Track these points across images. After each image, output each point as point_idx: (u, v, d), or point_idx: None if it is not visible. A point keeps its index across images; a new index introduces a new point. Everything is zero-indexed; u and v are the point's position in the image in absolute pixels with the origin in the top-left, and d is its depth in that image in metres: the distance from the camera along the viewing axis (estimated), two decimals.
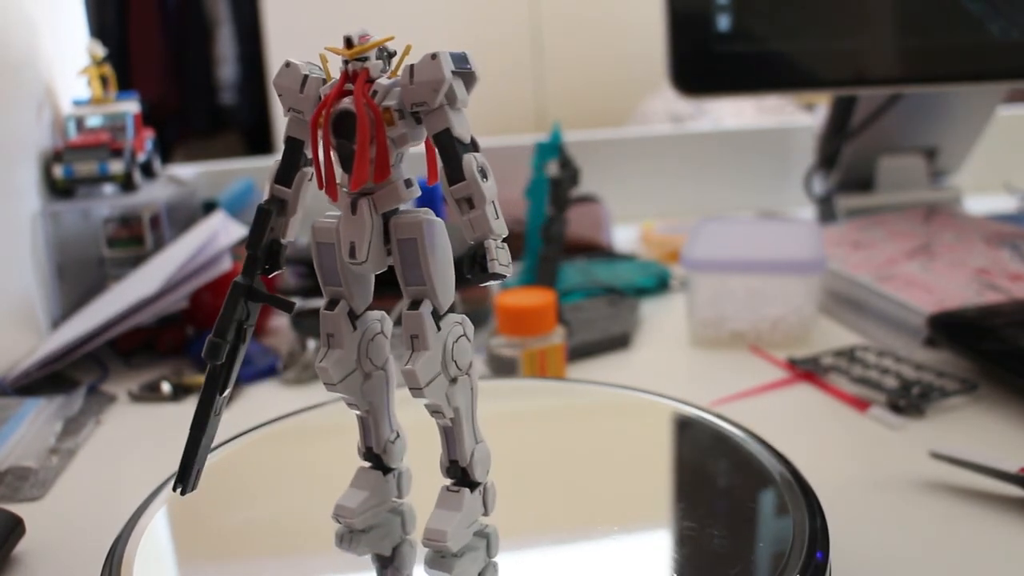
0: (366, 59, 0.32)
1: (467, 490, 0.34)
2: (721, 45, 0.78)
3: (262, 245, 0.33)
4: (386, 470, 0.38)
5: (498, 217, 0.31)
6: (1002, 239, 0.75)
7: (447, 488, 0.34)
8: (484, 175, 0.30)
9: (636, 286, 0.80)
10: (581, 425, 0.48)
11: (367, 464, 0.38)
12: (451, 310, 0.33)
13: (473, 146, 0.31)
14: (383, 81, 0.32)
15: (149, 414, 0.61)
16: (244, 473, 0.44)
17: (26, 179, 0.73)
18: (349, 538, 0.37)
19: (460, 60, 0.31)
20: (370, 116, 0.31)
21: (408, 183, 0.33)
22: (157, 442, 0.57)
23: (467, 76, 0.31)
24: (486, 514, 0.35)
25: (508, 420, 0.49)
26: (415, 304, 0.32)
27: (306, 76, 0.33)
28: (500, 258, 0.30)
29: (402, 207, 0.33)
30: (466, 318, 0.33)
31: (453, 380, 0.33)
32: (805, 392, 0.59)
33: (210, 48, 2.48)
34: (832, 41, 0.78)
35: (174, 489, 0.34)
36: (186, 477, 0.34)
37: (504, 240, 0.31)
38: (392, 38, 0.32)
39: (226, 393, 0.34)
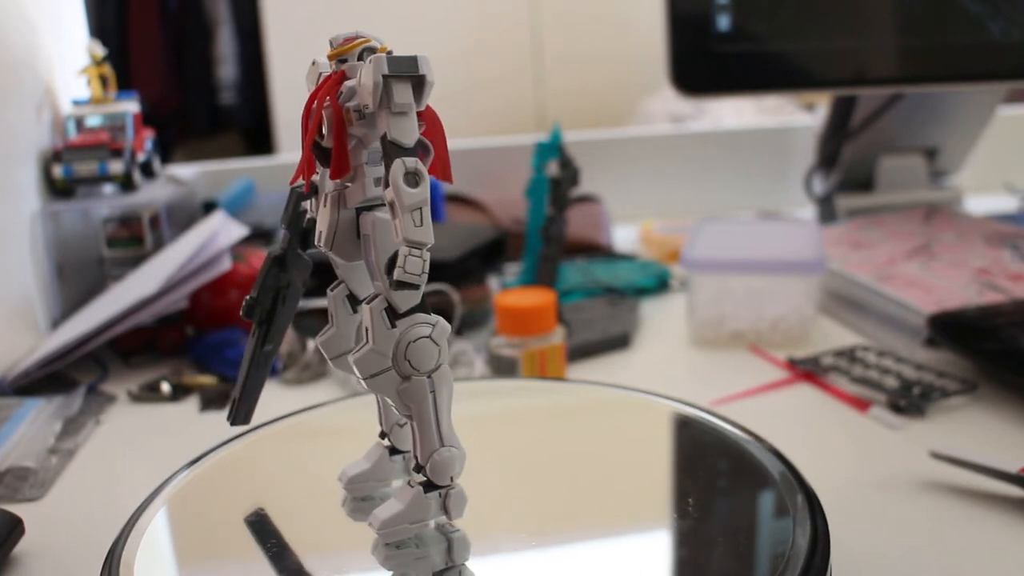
0: (347, 60, 0.33)
1: (421, 488, 0.34)
2: (721, 45, 0.78)
3: (294, 224, 0.36)
4: (393, 450, 0.39)
5: (419, 225, 0.30)
6: (1002, 239, 0.74)
7: (408, 481, 0.35)
8: (413, 182, 0.30)
9: (636, 286, 0.80)
10: (581, 425, 0.48)
11: (384, 442, 0.39)
12: (444, 313, 0.33)
13: (415, 151, 0.31)
14: (350, 82, 0.33)
15: (149, 414, 0.61)
16: (244, 473, 0.43)
17: (26, 179, 0.73)
18: (349, 504, 0.39)
19: (404, 64, 0.31)
20: (328, 115, 0.32)
21: (379, 181, 0.34)
22: (157, 442, 0.57)
23: (415, 80, 0.31)
24: (449, 518, 0.35)
25: (508, 420, 0.49)
26: (374, 297, 0.33)
27: (320, 74, 0.34)
28: (407, 266, 0.30)
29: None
30: (441, 321, 0.33)
31: (407, 379, 0.33)
32: (805, 392, 0.59)
33: (210, 48, 2.47)
34: (832, 41, 0.78)
35: (227, 420, 0.37)
36: (232, 411, 0.37)
37: (427, 249, 0.31)
38: (368, 41, 0.33)
39: (268, 348, 0.37)
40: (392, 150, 0.31)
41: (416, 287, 0.31)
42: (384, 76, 0.30)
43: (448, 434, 0.34)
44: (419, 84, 0.31)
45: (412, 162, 0.30)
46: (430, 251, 0.31)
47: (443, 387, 0.33)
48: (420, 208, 0.30)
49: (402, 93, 0.31)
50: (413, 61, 0.31)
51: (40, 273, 0.73)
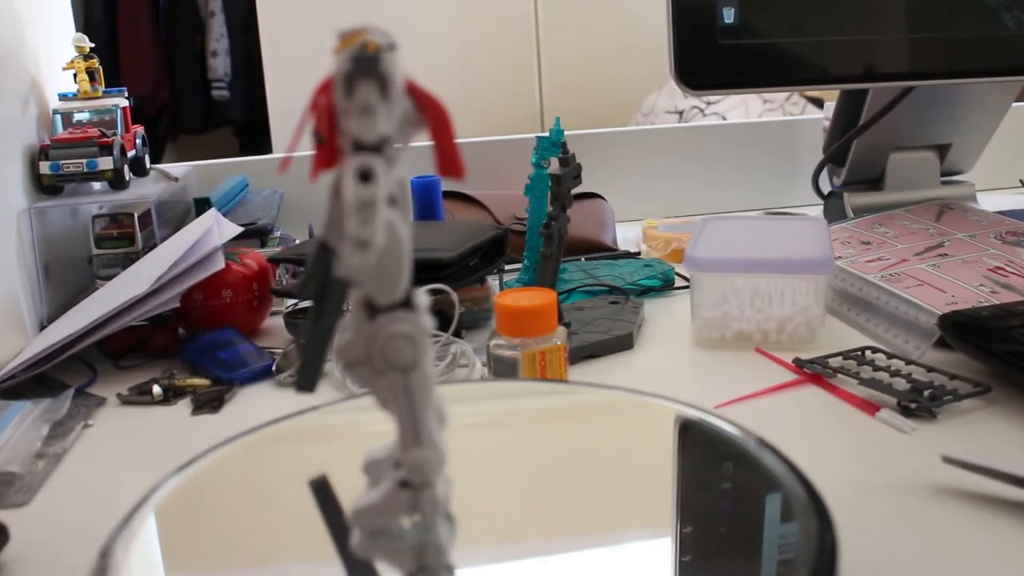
0: None
1: (397, 485, 0.34)
2: (726, 39, 0.77)
3: None
4: None
5: (363, 224, 0.30)
6: (1016, 237, 0.74)
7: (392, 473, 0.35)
8: (363, 179, 0.30)
9: (640, 285, 0.79)
10: (583, 428, 0.48)
11: None
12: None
13: (377, 149, 0.30)
14: None
15: (139, 417, 0.60)
16: (238, 478, 0.43)
17: (11, 175, 0.72)
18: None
19: (365, 62, 0.30)
20: (322, 108, 0.31)
21: None
22: (147, 446, 0.56)
23: (379, 78, 0.30)
24: (423, 521, 0.34)
25: (508, 423, 0.49)
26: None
27: None
28: (347, 263, 0.30)
29: None
30: (424, 319, 0.33)
31: (382, 373, 0.32)
32: (812, 394, 0.58)
33: (202, 42, 2.46)
34: (841, 34, 0.77)
35: (294, 387, 0.38)
36: (297, 380, 0.38)
37: (372, 248, 0.30)
38: (363, 35, 0.32)
39: (324, 322, 0.37)
40: (354, 146, 0.30)
41: (352, 283, 0.30)
42: (344, 74, 0.30)
43: (425, 435, 0.33)
44: (383, 82, 0.30)
45: (366, 160, 0.30)
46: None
47: (420, 386, 0.33)
48: (367, 207, 0.30)
49: (364, 91, 0.30)
50: (374, 59, 0.30)
51: (27, 272, 0.72)
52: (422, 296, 0.35)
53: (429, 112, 0.32)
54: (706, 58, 0.77)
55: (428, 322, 0.32)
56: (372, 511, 0.34)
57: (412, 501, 0.33)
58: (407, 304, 0.32)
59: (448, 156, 0.32)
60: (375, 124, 0.30)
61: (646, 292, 0.79)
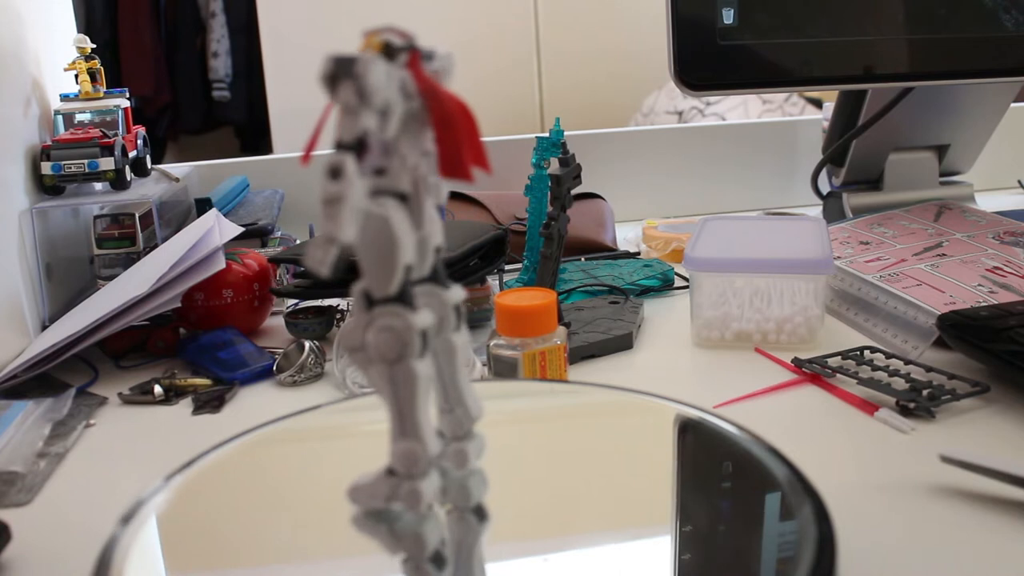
0: None
1: (386, 471, 0.34)
2: (726, 40, 0.77)
3: None
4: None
5: (330, 219, 0.30)
6: (1015, 237, 0.73)
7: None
8: (332, 176, 0.30)
9: (640, 285, 0.79)
10: (582, 428, 0.48)
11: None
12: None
13: (354, 148, 0.31)
14: None
15: (140, 417, 0.60)
16: (238, 478, 0.43)
17: (13, 176, 0.72)
18: None
19: (342, 65, 0.30)
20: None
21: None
22: (149, 446, 0.56)
23: (355, 79, 0.31)
24: (406, 508, 0.34)
25: (507, 423, 0.48)
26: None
27: None
28: (312, 255, 0.30)
29: None
30: (416, 316, 0.33)
31: (370, 361, 0.33)
32: (811, 394, 0.58)
33: (203, 42, 2.46)
34: (840, 35, 0.77)
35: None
36: None
37: (336, 244, 0.30)
38: (375, 35, 0.32)
39: None
40: (336, 145, 0.31)
41: (319, 276, 0.31)
42: (326, 75, 0.30)
43: (413, 429, 0.33)
44: (359, 83, 0.30)
45: (337, 157, 0.30)
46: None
47: (408, 380, 0.33)
48: (335, 203, 0.30)
49: (343, 92, 0.30)
50: (350, 62, 0.30)
51: (28, 273, 0.72)
52: (456, 292, 0.35)
53: (435, 112, 0.32)
54: (706, 59, 0.77)
55: (424, 319, 0.32)
56: (363, 492, 0.34)
57: (394, 489, 0.34)
58: (401, 299, 0.32)
59: (448, 157, 0.32)
60: (355, 123, 0.30)
61: (646, 292, 0.79)
